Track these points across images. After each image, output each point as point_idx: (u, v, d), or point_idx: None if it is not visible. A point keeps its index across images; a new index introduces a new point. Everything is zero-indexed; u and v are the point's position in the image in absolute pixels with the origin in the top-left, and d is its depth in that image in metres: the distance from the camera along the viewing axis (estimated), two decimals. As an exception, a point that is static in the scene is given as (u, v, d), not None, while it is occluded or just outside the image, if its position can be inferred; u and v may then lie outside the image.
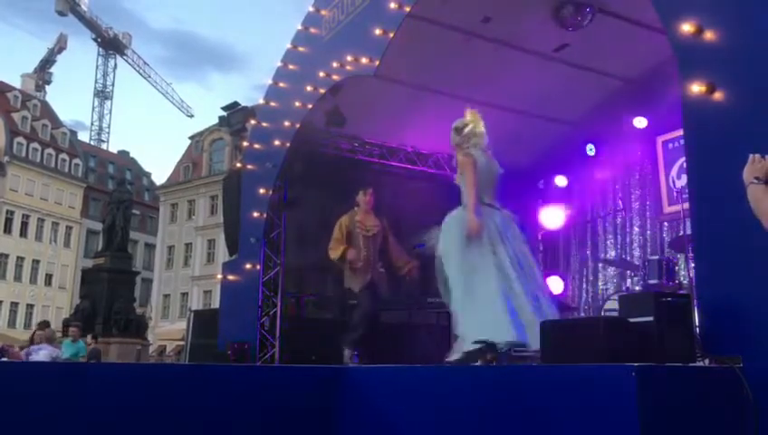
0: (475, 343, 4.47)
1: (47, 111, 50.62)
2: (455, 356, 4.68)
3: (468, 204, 4.82)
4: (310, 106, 8.92)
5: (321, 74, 8.55)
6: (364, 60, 7.80)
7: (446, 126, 5.76)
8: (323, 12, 8.79)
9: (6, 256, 43.14)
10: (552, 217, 9.89)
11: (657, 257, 7.62)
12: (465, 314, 4.69)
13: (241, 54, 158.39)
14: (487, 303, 4.60)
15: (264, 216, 9.64)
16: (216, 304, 20.19)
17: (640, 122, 8.70)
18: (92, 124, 64.83)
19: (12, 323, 42.36)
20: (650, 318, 3.74)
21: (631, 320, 3.83)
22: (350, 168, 9.65)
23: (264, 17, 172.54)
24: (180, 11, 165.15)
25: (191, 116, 71.39)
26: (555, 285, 9.14)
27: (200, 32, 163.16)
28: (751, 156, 2.53)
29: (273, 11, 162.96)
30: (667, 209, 8.54)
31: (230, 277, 10.33)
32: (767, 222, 2.38)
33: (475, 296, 4.67)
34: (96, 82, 64.77)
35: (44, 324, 12.20)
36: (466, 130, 5.24)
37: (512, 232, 4.96)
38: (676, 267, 7.30)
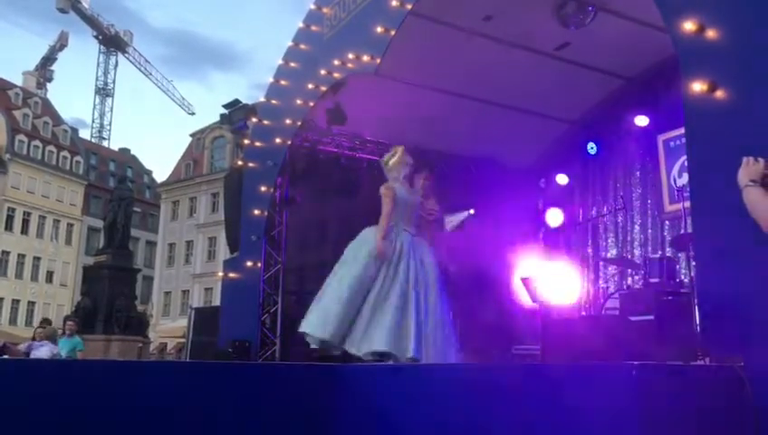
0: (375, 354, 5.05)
1: (48, 109, 50.55)
2: (313, 345, 5.37)
3: (380, 229, 5.35)
4: (311, 104, 8.92)
5: (323, 72, 8.54)
6: (366, 58, 7.80)
7: (447, 124, 5.79)
8: (325, 10, 8.79)
9: (8, 253, 43.12)
10: (553, 215, 9.88)
11: (658, 256, 7.62)
12: (326, 304, 5.24)
13: (242, 53, 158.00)
14: (350, 304, 5.17)
15: (265, 213, 9.65)
16: (216, 301, 20.15)
17: (642, 121, 8.68)
18: (93, 122, 64.79)
19: (13, 321, 42.39)
20: (651, 317, 3.74)
21: (632, 319, 3.83)
22: (351, 166, 9.66)
23: (265, 16, 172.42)
24: (181, 9, 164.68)
25: (192, 114, 71.05)
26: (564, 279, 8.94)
27: (201, 30, 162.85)
28: (745, 159, 2.48)
29: (274, 10, 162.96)
30: (669, 208, 8.53)
31: (231, 275, 10.34)
32: (765, 224, 2.36)
33: (341, 294, 5.21)
34: (97, 79, 64.74)
35: (47, 322, 12.24)
36: (390, 163, 5.74)
37: (420, 256, 5.42)
38: (678, 266, 7.27)
